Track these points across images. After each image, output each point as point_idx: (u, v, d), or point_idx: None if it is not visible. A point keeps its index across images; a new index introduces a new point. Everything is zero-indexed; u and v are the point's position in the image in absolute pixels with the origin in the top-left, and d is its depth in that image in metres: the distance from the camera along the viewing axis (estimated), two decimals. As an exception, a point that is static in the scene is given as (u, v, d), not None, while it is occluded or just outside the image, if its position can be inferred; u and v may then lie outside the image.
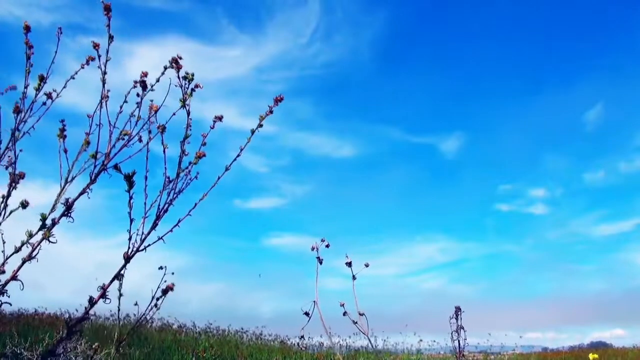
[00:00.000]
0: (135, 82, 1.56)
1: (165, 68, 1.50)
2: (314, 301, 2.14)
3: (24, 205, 1.83)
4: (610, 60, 40.75)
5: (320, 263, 2.14)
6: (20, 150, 1.74)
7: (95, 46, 1.50)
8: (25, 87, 1.55)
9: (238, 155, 1.69)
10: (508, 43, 42.78)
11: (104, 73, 1.57)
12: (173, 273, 2.19)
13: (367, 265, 2.18)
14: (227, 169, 1.71)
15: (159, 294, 2.12)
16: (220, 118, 1.60)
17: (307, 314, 2.14)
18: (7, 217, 1.86)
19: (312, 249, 2.11)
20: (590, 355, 5.23)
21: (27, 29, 1.53)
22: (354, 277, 2.19)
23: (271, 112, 1.62)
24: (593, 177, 40.00)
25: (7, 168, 1.53)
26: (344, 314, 2.19)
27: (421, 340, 13.91)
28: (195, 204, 1.84)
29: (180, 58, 1.46)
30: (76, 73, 1.63)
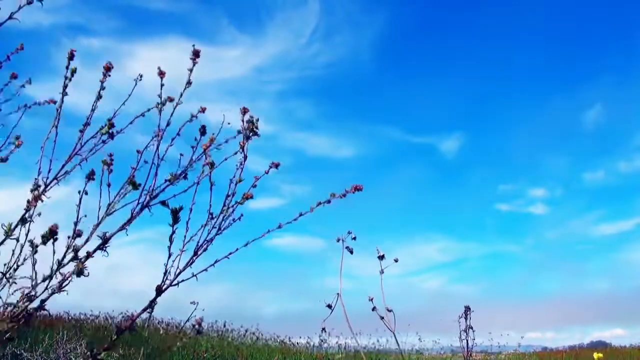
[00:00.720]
0: (193, 115, 1.47)
1: (239, 132, 1.42)
2: (338, 293, 2.09)
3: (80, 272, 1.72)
4: (609, 60, 40.72)
5: (351, 253, 2.09)
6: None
7: (161, 75, 1.41)
8: (88, 120, 1.46)
9: (289, 222, 1.61)
10: (508, 44, 42.73)
11: (161, 103, 1.48)
12: (204, 309, 2.11)
13: (396, 261, 2.16)
14: (279, 227, 1.64)
15: (188, 325, 2.04)
16: (277, 165, 1.51)
17: (329, 306, 2.09)
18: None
19: (338, 240, 2.07)
20: (595, 355, 5.14)
21: (71, 57, 1.44)
22: (381, 272, 2.14)
23: (344, 195, 1.54)
24: (593, 177, 39.99)
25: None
26: (373, 309, 2.15)
27: (422, 341, 13.90)
28: (237, 249, 1.78)
29: (257, 120, 1.37)
30: (102, 89, 1.54)
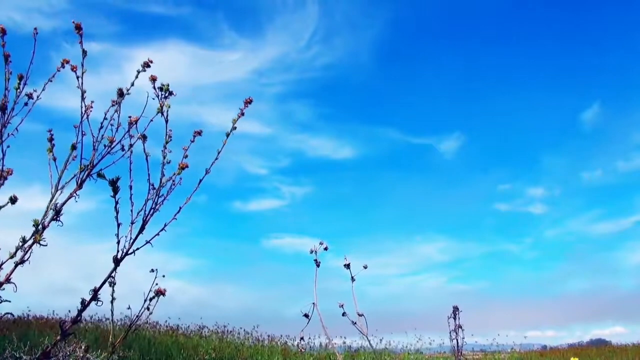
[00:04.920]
0: (113, 101, 1.64)
1: (138, 72, 1.58)
2: (314, 303, 2.17)
3: (13, 200, 1.90)
4: (607, 59, 40.83)
5: (318, 266, 2.18)
6: (8, 146, 1.78)
7: (73, 69, 1.59)
8: (6, 91, 1.62)
9: (216, 159, 1.77)
10: (506, 44, 42.85)
11: (83, 91, 1.65)
12: (164, 276, 2.27)
13: (365, 267, 2.21)
14: (207, 172, 1.80)
15: (151, 296, 2.20)
16: (199, 133, 1.68)
17: (306, 315, 2.17)
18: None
19: (311, 252, 2.15)
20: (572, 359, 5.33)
21: (3, 31, 1.60)
22: (352, 279, 2.22)
23: (242, 114, 1.70)
24: (591, 176, 40.08)
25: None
26: (343, 314, 2.22)
27: (419, 340, 13.98)
28: (180, 208, 1.92)
29: (152, 62, 1.54)
30: (53, 76, 1.70)
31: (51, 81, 1.82)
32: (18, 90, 1.63)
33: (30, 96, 1.66)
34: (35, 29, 1.68)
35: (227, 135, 1.74)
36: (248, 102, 1.68)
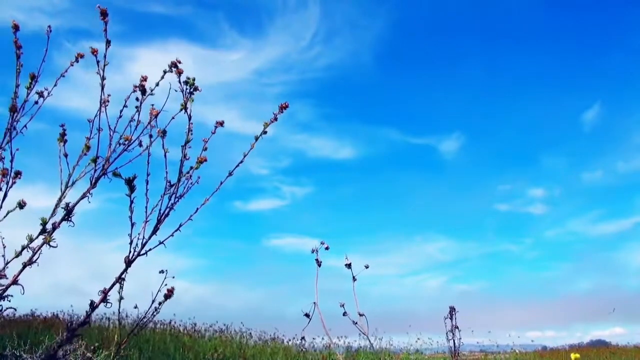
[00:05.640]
0: (135, 86, 1.55)
1: (165, 72, 1.50)
2: (314, 303, 2.15)
3: (22, 205, 1.81)
4: (607, 60, 40.90)
5: (319, 265, 2.16)
6: (17, 149, 1.71)
7: (94, 52, 1.50)
8: (17, 87, 1.54)
9: (241, 162, 1.68)
10: (507, 45, 42.90)
11: (103, 78, 1.56)
12: (174, 277, 2.18)
13: (367, 267, 2.19)
14: (230, 174, 1.71)
15: (160, 297, 2.12)
16: (221, 123, 1.59)
17: (307, 315, 2.14)
18: (4, 218, 1.84)
19: (312, 251, 2.13)
20: (572, 355, 5.32)
21: (16, 28, 1.52)
22: (354, 279, 2.21)
23: (276, 119, 1.62)
24: (591, 177, 40.21)
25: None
26: (344, 314, 2.21)
27: (418, 339, 13.96)
28: (197, 209, 1.83)
29: (180, 62, 1.45)
30: (66, 71, 1.63)
31: (63, 76, 1.73)
32: (29, 90, 1.53)
33: (40, 94, 1.57)
34: (49, 26, 1.60)
35: (256, 139, 1.65)
36: (284, 107, 1.60)
